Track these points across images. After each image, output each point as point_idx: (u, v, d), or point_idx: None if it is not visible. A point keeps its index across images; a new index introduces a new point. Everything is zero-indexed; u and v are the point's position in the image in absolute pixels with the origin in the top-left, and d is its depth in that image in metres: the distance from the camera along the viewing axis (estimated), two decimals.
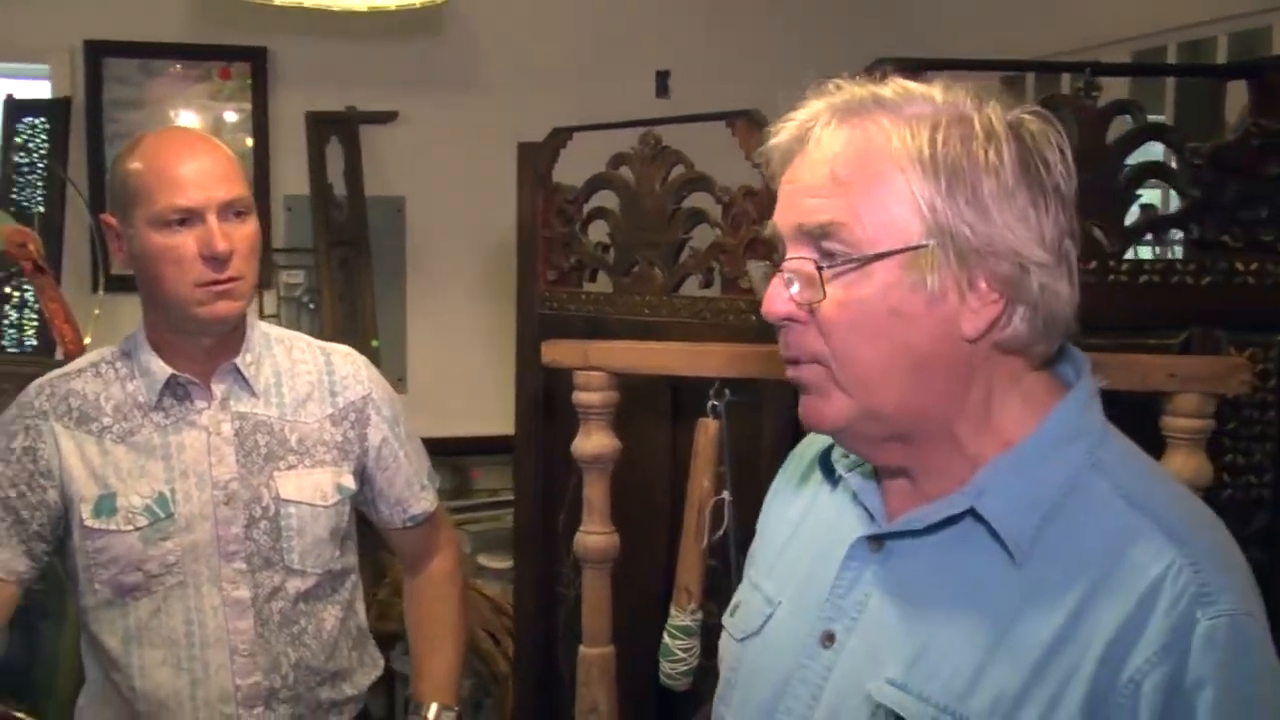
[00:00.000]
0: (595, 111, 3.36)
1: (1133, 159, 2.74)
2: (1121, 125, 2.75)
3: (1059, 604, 1.26)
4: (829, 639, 1.42)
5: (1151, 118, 2.82)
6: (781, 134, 1.37)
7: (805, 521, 1.58)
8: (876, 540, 1.41)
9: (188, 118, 5.35)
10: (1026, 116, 1.30)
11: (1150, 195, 3.44)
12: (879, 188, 1.28)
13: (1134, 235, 2.76)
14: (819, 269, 1.30)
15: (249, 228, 2.22)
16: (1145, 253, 3.05)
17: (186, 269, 2.15)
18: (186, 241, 2.15)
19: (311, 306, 5.45)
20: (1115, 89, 4.43)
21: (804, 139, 1.34)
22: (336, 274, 5.37)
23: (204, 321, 2.21)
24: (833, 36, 5.54)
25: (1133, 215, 2.79)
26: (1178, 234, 2.90)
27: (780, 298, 1.34)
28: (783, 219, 1.35)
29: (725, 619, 1.65)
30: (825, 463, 1.54)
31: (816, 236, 1.30)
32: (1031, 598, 1.27)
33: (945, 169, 1.25)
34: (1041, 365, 1.36)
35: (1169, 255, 3.15)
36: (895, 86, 1.32)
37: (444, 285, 5.66)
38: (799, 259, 1.32)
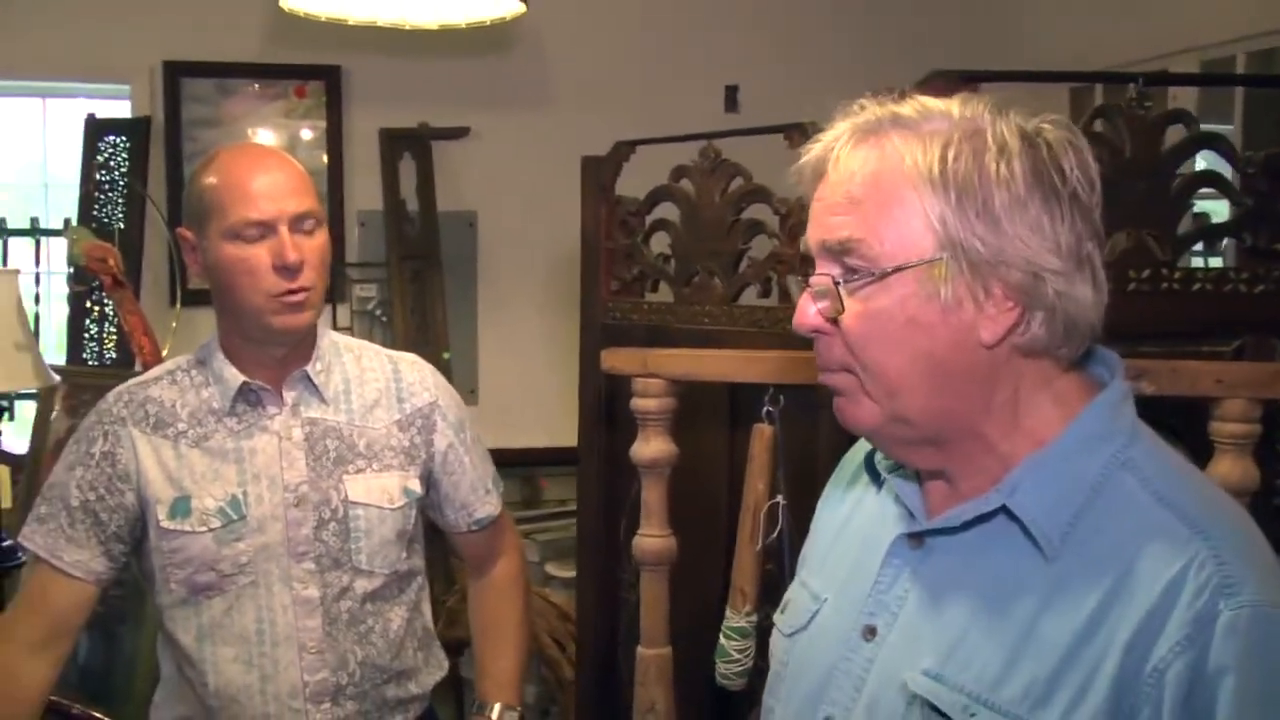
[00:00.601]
0: (664, 126, 3.40)
1: (1186, 168, 2.76)
2: (1176, 135, 2.77)
3: (1087, 597, 1.29)
4: (871, 632, 1.47)
5: (1219, 127, 2.84)
6: (810, 154, 1.43)
7: (851, 521, 1.63)
8: (916, 538, 1.46)
9: (264, 136, 5.45)
10: (1045, 126, 1.34)
11: (1210, 205, 3.45)
12: (893, 205, 1.33)
13: (1187, 244, 2.77)
14: (836, 284, 1.36)
15: (319, 240, 2.29)
16: (1198, 262, 3.06)
17: (259, 279, 2.22)
18: (259, 253, 2.22)
19: (384, 320, 5.53)
20: (1184, 99, 4.44)
21: (827, 158, 1.40)
22: (409, 288, 5.45)
23: (276, 331, 2.27)
24: (900, 49, 5.55)
25: (1186, 224, 2.80)
26: (1231, 242, 2.91)
27: (807, 311, 1.40)
28: (811, 235, 1.42)
29: (776, 616, 1.71)
30: (870, 465, 1.59)
31: (838, 252, 1.37)
32: (1061, 591, 1.31)
33: (955, 184, 1.30)
34: (1073, 367, 1.40)
35: (1222, 264, 3.15)
36: (914, 104, 1.37)
37: (514, 298, 5.73)
38: (822, 274, 1.39)
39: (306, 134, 5.54)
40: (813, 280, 1.40)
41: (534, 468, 5.50)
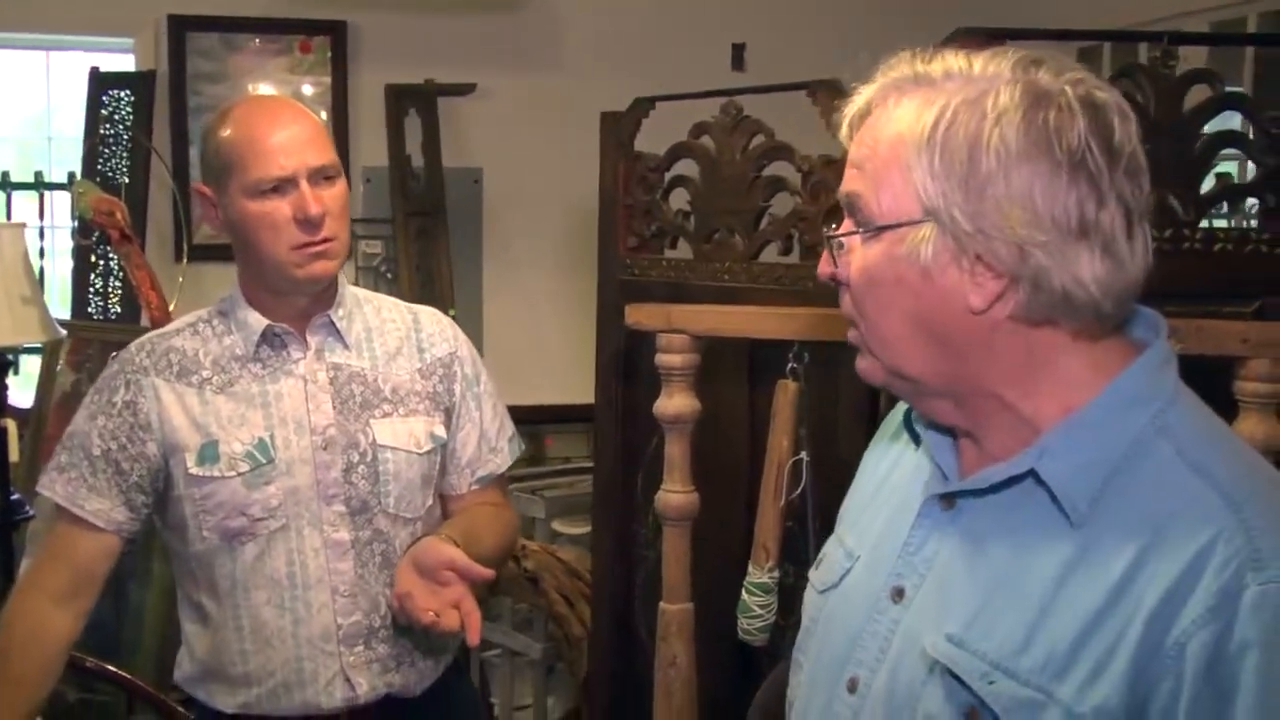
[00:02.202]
0: (670, 83, 3.39)
1: (1209, 129, 2.75)
2: (1198, 95, 2.76)
3: (1112, 566, 1.28)
4: (899, 594, 1.46)
5: (1230, 88, 2.82)
6: (847, 109, 1.44)
7: (889, 478, 1.62)
8: (947, 499, 1.45)
9: (267, 91, 5.40)
10: (1069, 87, 1.30)
11: (1227, 166, 3.44)
12: (889, 165, 1.34)
13: (1209, 204, 2.76)
14: (833, 236, 1.41)
15: (338, 189, 2.29)
16: (1221, 223, 3.06)
17: (281, 233, 2.23)
18: (280, 207, 2.22)
19: (389, 276, 5.52)
20: (1193, 59, 4.43)
21: (857, 113, 1.42)
22: (414, 244, 5.42)
23: (301, 282, 2.28)
24: (903, 6, 5.53)
25: (1208, 185, 2.79)
26: (1254, 203, 2.91)
27: (826, 260, 1.45)
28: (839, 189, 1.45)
29: (811, 571, 1.70)
30: (909, 422, 1.58)
31: (847, 206, 1.40)
32: (1086, 559, 1.30)
33: (943, 150, 1.30)
34: (1113, 330, 1.37)
35: (1244, 225, 3.15)
36: (941, 62, 1.35)
37: (520, 256, 5.72)
38: (834, 225, 1.43)
39: (308, 89, 5.49)
40: (827, 231, 1.44)
41: (539, 425, 5.50)
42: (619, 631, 3.41)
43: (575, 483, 5.00)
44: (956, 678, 1.34)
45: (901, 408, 1.65)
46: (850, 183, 1.39)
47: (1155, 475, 1.31)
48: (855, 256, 1.39)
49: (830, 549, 1.67)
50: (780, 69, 3.19)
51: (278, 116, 2.29)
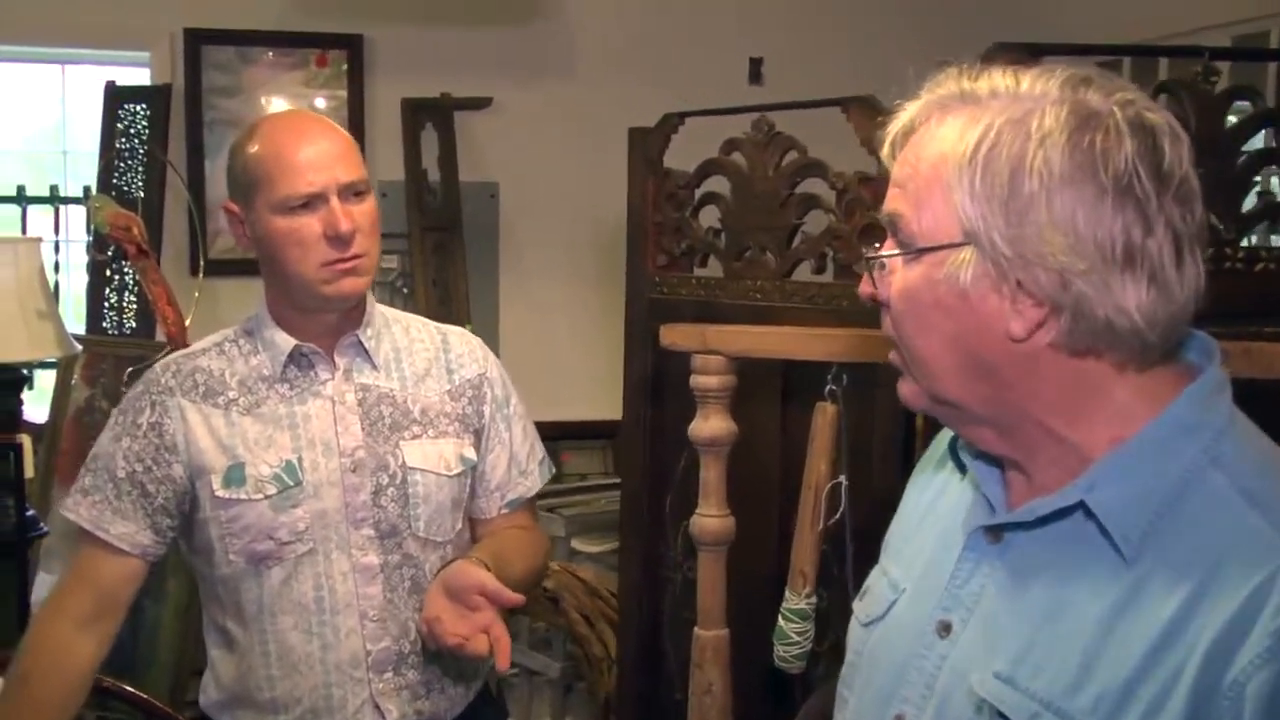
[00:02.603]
0: (688, 97, 3.38)
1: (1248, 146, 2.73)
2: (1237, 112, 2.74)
3: (1167, 602, 1.23)
4: (945, 629, 1.42)
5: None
6: (890, 126, 1.40)
7: (935, 508, 1.58)
8: (994, 531, 1.41)
9: (281, 105, 5.42)
10: (1119, 109, 1.25)
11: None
12: (930, 185, 1.31)
13: (1251, 222, 2.74)
14: (871, 257, 1.38)
15: (368, 205, 2.26)
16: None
17: (311, 250, 2.19)
18: (310, 223, 2.19)
19: (405, 291, 5.51)
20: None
21: (902, 130, 1.39)
22: (430, 259, 5.43)
23: (330, 299, 2.25)
24: (919, 21, 5.53)
25: (1249, 203, 2.76)
26: None
27: (866, 280, 1.42)
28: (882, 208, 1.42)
29: (855, 603, 1.66)
30: (954, 450, 1.54)
31: (889, 226, 1.37)
32: (1140, 595, 1.25)
33: (984, 172, 1.26)
34: (1163, 357, 1.32)
35: None
36: (988, 80, 1.32)
37: (536, 270, 5.72)
38: (875, 246, 1.40)
39: (323, 103, 5.53)
40: (866, 250, 1.42)
41: (555, 441, 5.46)
42: (646, 654, 3.37)
43: (593, 500, 4.98)
44: (1005, 718, 1.30)
45: (946, 435, 1.60)
46: (892, 202, 1.36)
47: (1208, 508, 1.26)
48: (896, 277, 1.36)
49: (874, 580, 1.63)
50: (798, 84, 3.18)
51: (307, 132, 2.25)
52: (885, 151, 1.41)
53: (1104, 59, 5.07)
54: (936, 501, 1.59)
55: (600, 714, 4.39)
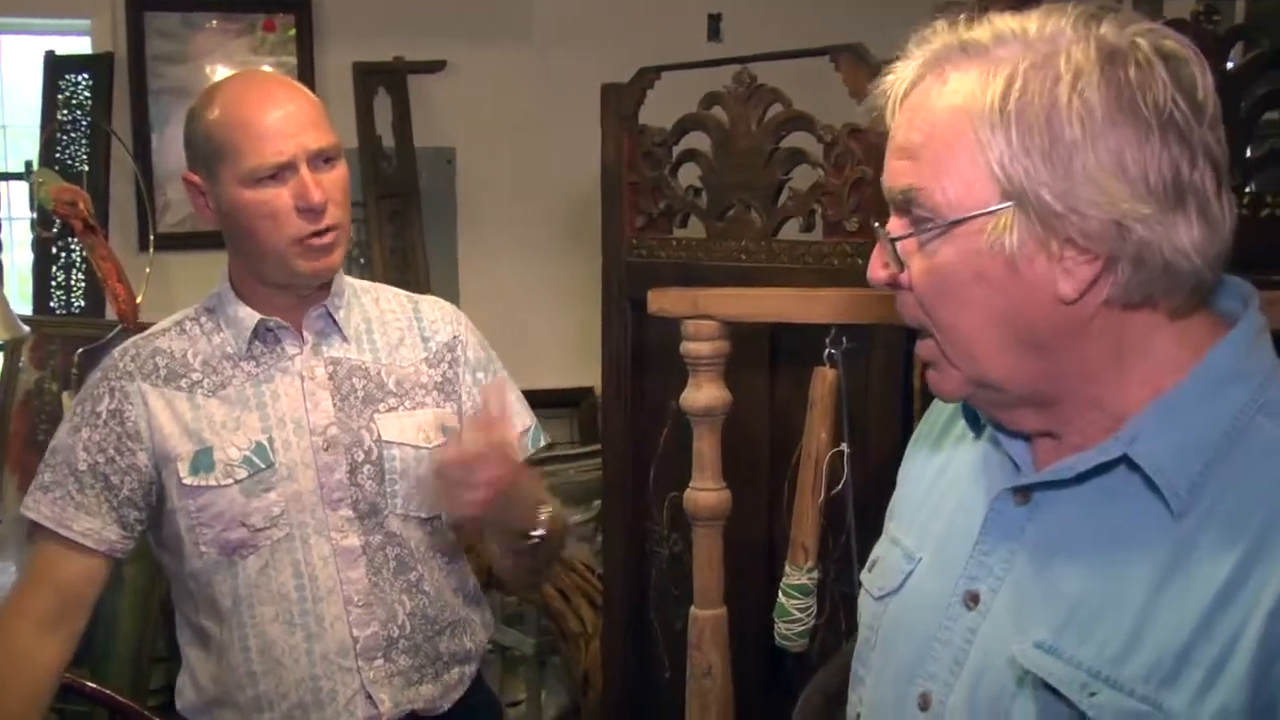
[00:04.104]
0: (646, 56, 3.30)
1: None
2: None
3: (1223, 557, 1.17)
4: (973, 599, 1.34)
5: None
6: (879, 91, 1.32)
7: (947, 471, 1.51)
8: (1023, 493, 1.33)
9: (228, 73, 5.30)
10: (1140, 40, 1.18)
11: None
12: (953, 149, 1.22)
13: (1257, 168, 2.67)
14: (897, 238, 1.28)
15: (339, 172, 2.18)
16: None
17: (282, 223, 2.11)
18: (280, 194, 2.10)
19: (362, 261, 5.47)
20: (1175, 9, 4.36)
21: (894, 94, 1.30)
22: (386, 227, 5.40)
23: (304, 276, 2.17)
24: None
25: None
26: None
27: (879, 264, 1.32)
28: (883, 182, 1.32)
29: (863, 575, 1.59)
30: (969, 410, 1.46)
31: (901, 203, 1.28)
32: (1192, 552, 1.19)
33: (1019, 123, 1.18)
34: (1199, 304, 1.26)
35: None
36: (988, 27, 1.24)
37: (496, 236, 5.67)
38: (890, 225, 1.30)
39: (268, 69, 5.37)
40: (880, 231, 1.31)
41: None
42: (632, 630, 3.32)
43: (563, 470, 4.90)
44: (1052, 689, 1.22)
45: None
46: (902, 176, 1.27)
47: (1261, 457, 1.20)
48: (921, 256, 1.27)
49: (884, 551, 1.56)
50: (758, 39, 3.11)
51: (272, 95, 2.16)
52: (887, 117, 1.31)
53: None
54: (947, 466, 1.51)
55: (577, 689, 4.37)
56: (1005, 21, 1.23)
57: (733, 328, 2.63)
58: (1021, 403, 1.30)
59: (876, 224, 1.32)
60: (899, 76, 1.29)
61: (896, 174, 1.27)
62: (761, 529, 2.80)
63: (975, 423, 1.44)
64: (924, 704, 1.36)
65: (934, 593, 1.40)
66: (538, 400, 5.21)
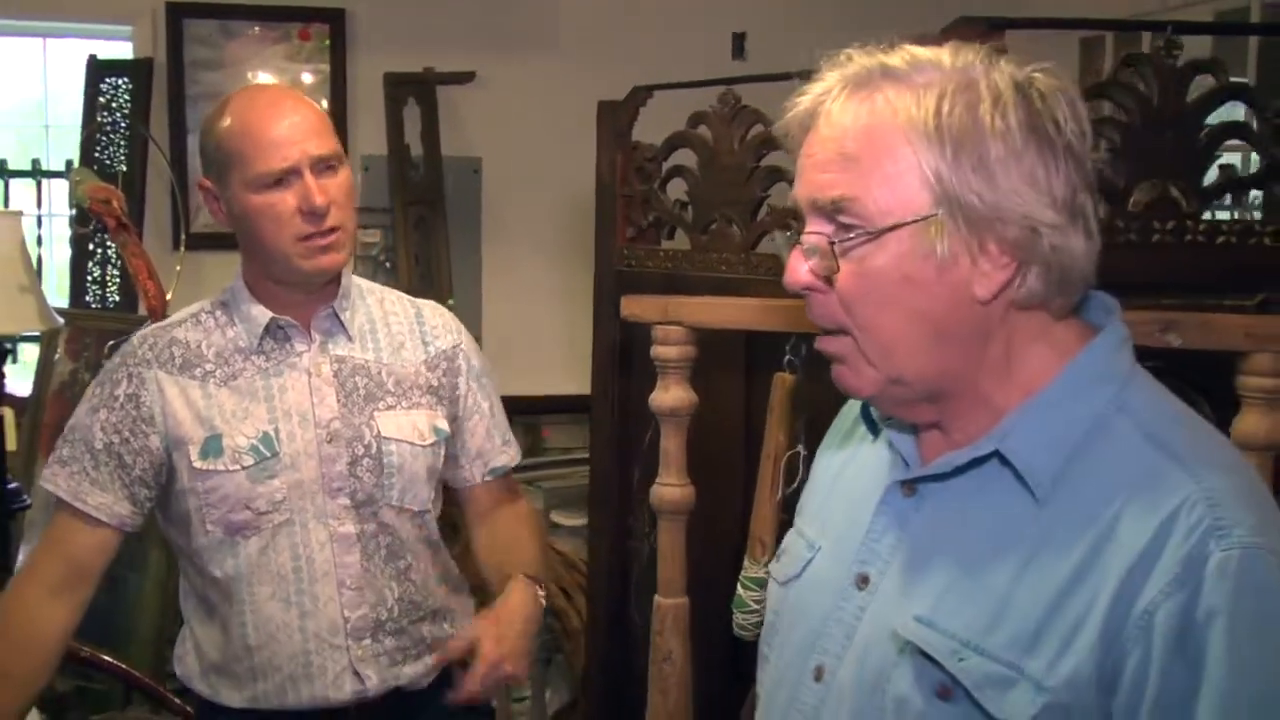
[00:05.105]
0: (671, 72, 3.37)
1: (1214, 119, 2.72)
2: (1202, 85, 2.73)
3: (1078, 540, 1.29)
4: (863, 581, 1.47)
5: (1233, 79, 2.80)
6: (796, 108, 1.41)
7: (847, 469, 1.63)
8: (909, 485, 1.46)
9: (266, 79, 5.44)
10: (1037, 75, 1.32)
11: (1231, 158, 3.41)
12: (887, 161, 1.32)
13: (1213, 196, 2.73)
14: (831, 243, 1.35)
15: (342, 178, 2.29)
16: (1224, 215, 3.03)
17: (286, 225, 2.23)
18: (285, 198, 2.22)
19: (388, 265, 5.52)
20: (1196, 48, 4.41)
21: (816, 113, 1.38)
22: (412, 233, 5.45)
23: (308, 273, 2.29)
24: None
25: (1212, 176, 2.76)
26: (1258, 195, 2.88)
27: (799, 269, 1.39)
28: (800, 192, 1.40)
29: (772, 565, 1.71)
30: (867, 414, 1.57)
31: (830, 211, 1.36)
32: (1052, 536, 1.31)
33: (951, 138, 1.29)
34: (1070, 314, 1.39)
35: (1248, 216, 3.12)
36: (904, 54, 1.35)
37: (519, 245, 5.73)
38: (814, 233, 1.37)
39: (308, 77, 5.52)
40: (804, 238, 1.39)
41: (537, 415, 5.53)
42: (614, 624, 3.40)
43: (572, 474, 5.00)
44: (928, 657, 1.35)
45: (853, 406, 1.65)
46: (831, 187, 1.35)
47: (1117, 451, 1.33)
48: (846, 261, 1.35)
49: (790, 542, 1.68)
50: (782, 58, 3.17)
51: (278, 106, 2.28)
52: (795, 131, 1.41)
53: (1086, 34, 5.10)
54: (847, 466, 1.64)
55: (579, 685, 4.39)
56: (920, 51, 1.35)
57: (707, 335, 2.73)
58: (921, 399, 1.41)
59: (793, 233, 1.42)
60: (817, 95, 1.39)
61: (824, 185, 1.35)
62: (735, 528, 2.87)
63: (873, 425, 1.56)
64: (818, 675, 1.49)
65: (830, 577, 1.52)
66: (554, 405, 5.35)
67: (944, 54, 1.34)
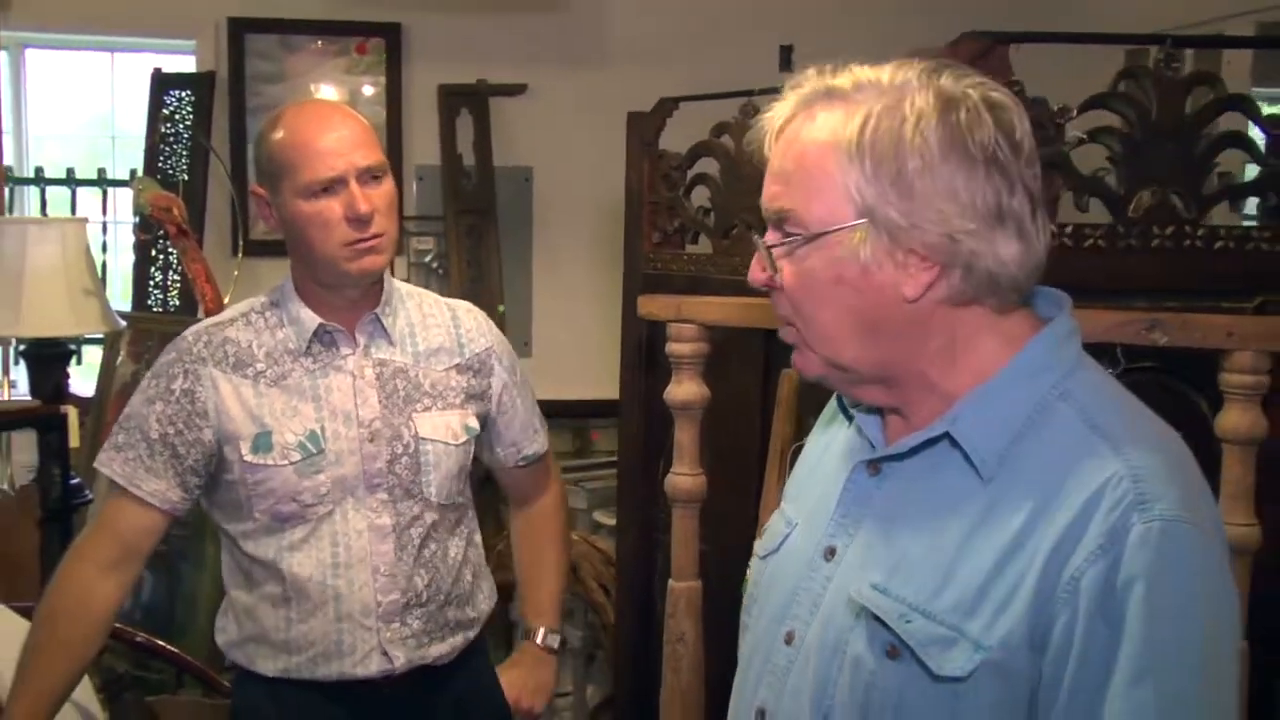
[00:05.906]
0: (717, 84, 3.47)
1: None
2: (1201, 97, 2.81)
3: (1016, 514, 1.40)
4: (830, 553, 1.58)
5: (1236, 92, 2.88)
6: (759, 125, 1.54)
7: (826, 454, 1.74)
8: (874, 465, 1.57)
9: (326, 91, 5.58)
10: (971, 90, 1.43)
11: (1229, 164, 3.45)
12: (816, 176, 1.44)
13: (1211, 203, 2.81)
14: (769, 248, 1.50)
15: (386, 187, 2.41)
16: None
17: (333, 231, 2.34)
18: (332, 206, 2.34)
19: (440, 273, 5.64)
20: (1238, 62, 4.45)
21: (771, 129, 1.52)
22: (465, 241, 5.55)
23: (352, 275, 2.40)
24: (956, 8, 5.55)
25: (1211, 185, 2.84)
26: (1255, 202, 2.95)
27: (758, 268, 1.54)
28: (761, 203, 1.54)
29: (756, 542, 1.83)
30: (842, 402, 1.71)
31: (776, 220, 1.50)
32: (995, 510, 1.43)
33: (872, 155, 1.41)
34: (1021, 306, 1.51)
35: (1245, 224, 3.18)
36: (849, 75, 1.47)
37: (568, 253, 5.82)
38: (768, 238, 1.52)
39: (368, 90, 5.65)
40: (759, 242, 1.53)
41: (586, 419, 5.61)
42: (643, 614, 3.51)
43: (614, 475, 5.06)
44: (879, 620, 1.47)
45: (836, 397, 1.77)
46: (777, 200, 1.49)
47: (1056, 434, 1.44)
48: (790, 262, 1.49)
49: (772, 521, 1.80)
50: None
51: (327, 120, 2.40)
52: (759, 145, 1.54)
53: (1133, 48, 5.14)
54: (827, 450, 1.75)
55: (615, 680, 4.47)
56: (864, 71, 1.47)
57: (728, 334, 2.84)
58: (870, 381, 1.54)
59: (755, 235, 1.56)
60: (775, 114, 1.52)
61: (773, 196, 1.49)
62: (751, 519, 2.93)
63: (847, 411, 1.68)
64: (789, 639, 1.60)
65: (803, 550, 1.64)
66: (601, 410, 5.43)
67: (884, 73, 1.45)
